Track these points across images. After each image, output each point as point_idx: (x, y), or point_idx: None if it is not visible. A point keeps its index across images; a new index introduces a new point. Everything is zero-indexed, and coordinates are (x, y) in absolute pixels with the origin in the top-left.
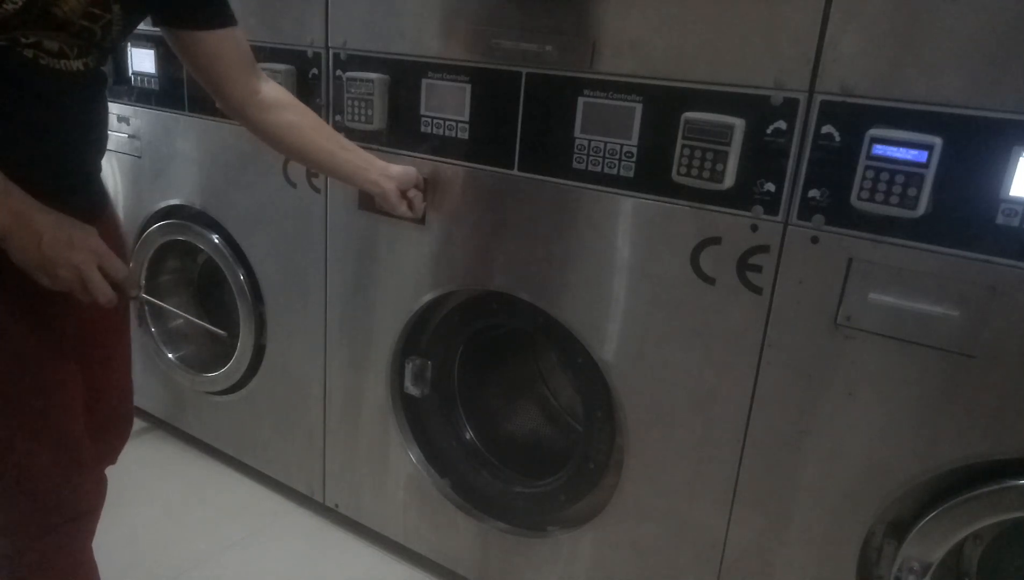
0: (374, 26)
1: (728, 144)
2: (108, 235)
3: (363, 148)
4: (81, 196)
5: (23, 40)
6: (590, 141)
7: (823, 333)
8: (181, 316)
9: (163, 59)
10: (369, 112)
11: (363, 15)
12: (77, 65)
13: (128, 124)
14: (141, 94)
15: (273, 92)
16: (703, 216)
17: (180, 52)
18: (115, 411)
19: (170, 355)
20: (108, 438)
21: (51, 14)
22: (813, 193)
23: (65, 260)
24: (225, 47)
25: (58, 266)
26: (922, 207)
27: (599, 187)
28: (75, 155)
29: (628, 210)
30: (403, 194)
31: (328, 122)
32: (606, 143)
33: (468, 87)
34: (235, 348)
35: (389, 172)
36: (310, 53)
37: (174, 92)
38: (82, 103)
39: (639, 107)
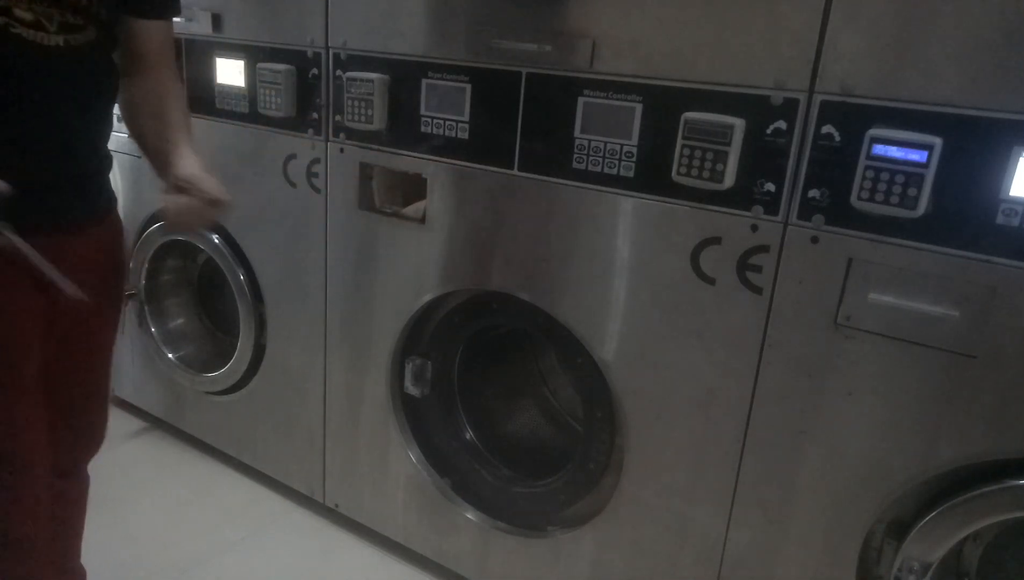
0: (374, 26)
1: (728, 144)
2: (106, 244)
3: (360, 148)
4: (65, 197)
5: None
6: (590, 141)
7: (823, 333)
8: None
9: None
10: (369, 112)
11: (363, 15)
12: (56, 41)
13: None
14: None
15: (156, 75)
16: (703, 216)
17: (122, 36)
18: (82, 428)
19: (170, 355)
20: (72, 449)
21: None
22: (813, 193)
23: None
24: (166, 36)
25: None
26: (922, 207)
27: (599, 187)
28: (54, 148)
29: (628, 210)
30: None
31: (328, 122)
32: (606, 143)
33: (468, 87)
34: (235, 348)
35: (180, 172)
36: (310, 53)
37: None
38: (63, 88)
39: (639, 107)
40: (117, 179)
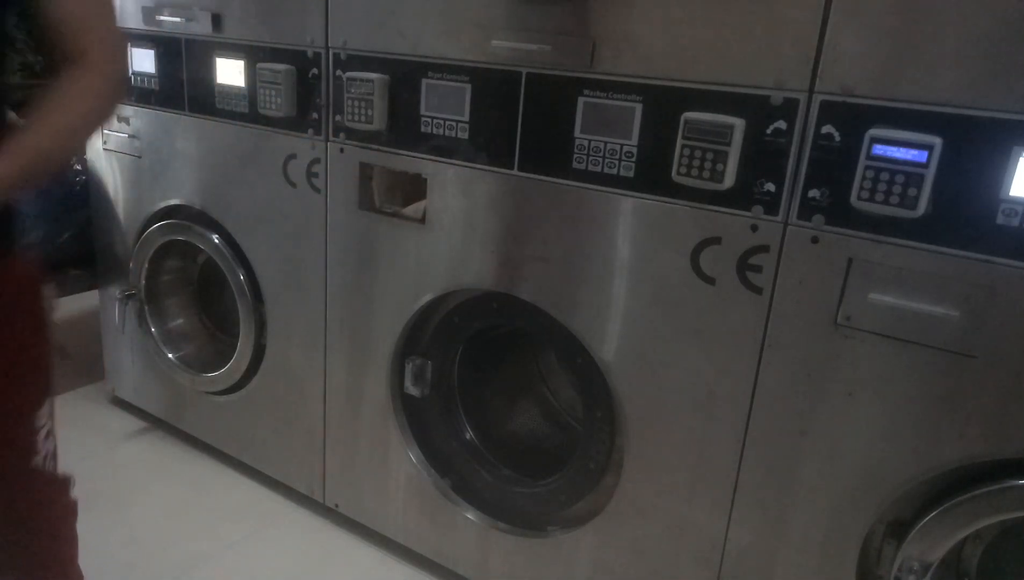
0: (374, 26)
1: (728, 144)
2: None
3: (360, 148)
4: None
5: None
6: (590, 141)
7: (823, 333)
8: None
9: (163, 59)
10: (369, 112)
11: (363, 15)
12: None
13: (128, 124)
14: (141, 94)
15: (65, 74)
16: (703, 216)
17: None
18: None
19: (170, 355)
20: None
21: None
22: (813, 193)
23: None
24: (71, 18)
25: None
26: (922, 207)
27: (599, 187)
28: None
29: (628, 210)
30: None
31: (328, 121)
32: (606, 143)
33: (468, 87)
34: (235, 348)
35: None
36: (310, 53)
37: (174, 92)
38: None
39: (639, 107)
40: (117, 179)
